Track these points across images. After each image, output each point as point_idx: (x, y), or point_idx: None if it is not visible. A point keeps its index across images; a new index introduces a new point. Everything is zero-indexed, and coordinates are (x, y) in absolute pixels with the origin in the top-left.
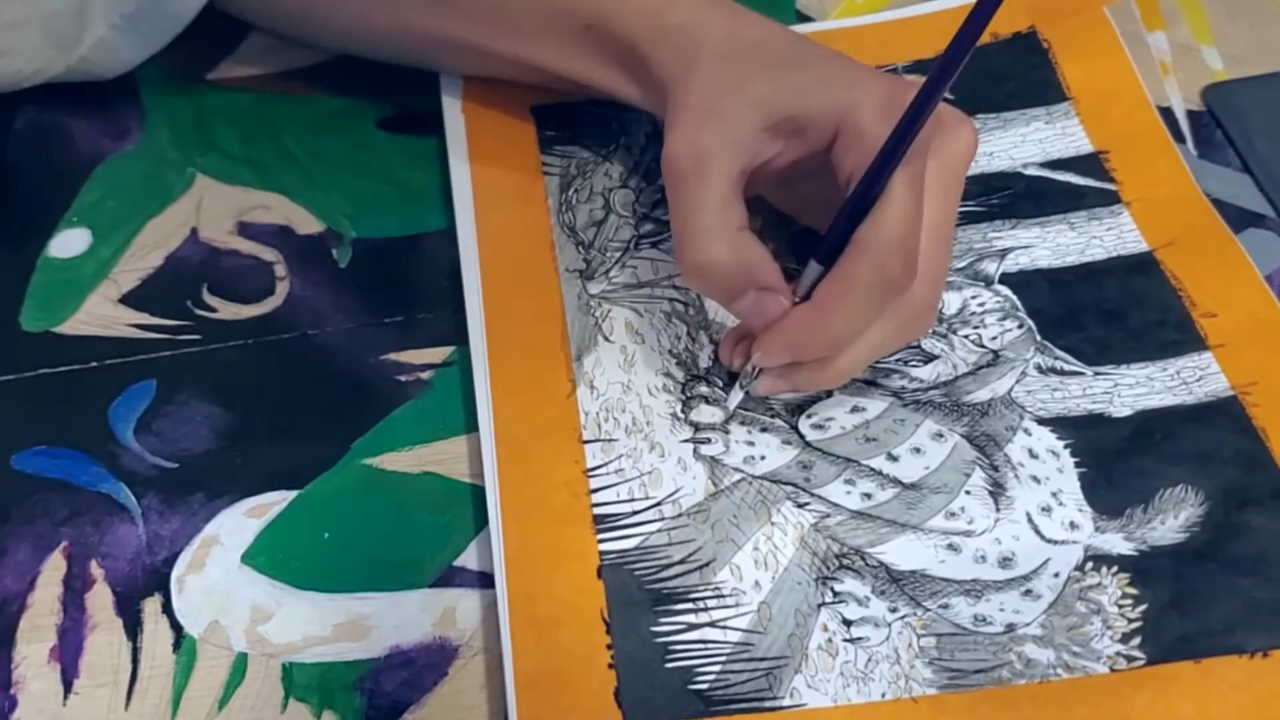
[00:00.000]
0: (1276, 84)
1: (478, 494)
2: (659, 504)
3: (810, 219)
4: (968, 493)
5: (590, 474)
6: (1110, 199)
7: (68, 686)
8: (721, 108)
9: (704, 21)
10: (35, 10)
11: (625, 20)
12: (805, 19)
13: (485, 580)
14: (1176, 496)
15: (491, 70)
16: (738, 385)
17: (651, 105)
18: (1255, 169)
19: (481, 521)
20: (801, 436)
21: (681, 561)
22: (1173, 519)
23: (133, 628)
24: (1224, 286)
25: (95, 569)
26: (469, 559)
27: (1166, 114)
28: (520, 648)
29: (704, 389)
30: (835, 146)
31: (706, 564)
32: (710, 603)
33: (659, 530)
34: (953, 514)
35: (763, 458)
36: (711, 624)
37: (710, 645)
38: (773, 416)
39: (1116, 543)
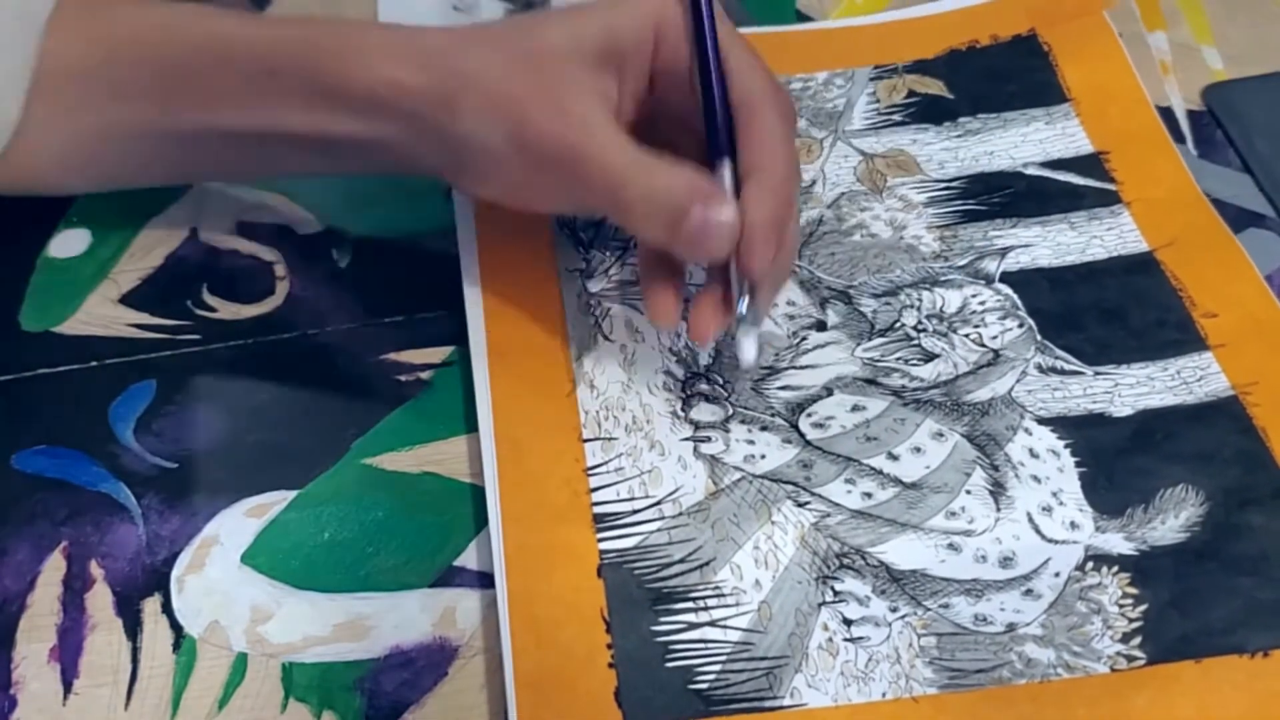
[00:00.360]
0: (1276, 84)
1: (478, 494)
2: (659, 503)
3: None
4: (968, 492)
5: (590, 472)
6: (1110, 199)
7: (67, 686)
8: (551, 71)
9: (412, 32)
10: None
11: (312, 54)
12: (805, 18)
13: (485, 580)
14: (1177, 496)
15: (198, 159)
16: (742, 330)
17: (384, 135)
18: (1255, 169)
19: (481, 521)
20: (802, 435)
21: (681, 560)
22: (1173, 519)
23: (133, 628)
24: (1224, 286)
25: (95, 569)
26: (469, 559)
27: (1167, 114)
28: (520, 647)
29: (704, 386)
30: (659, 59)
31: (706, 563)
32: (710, 602)
33: (659, 529)
34: (953, 513)
35: (763, 456)
36: (712, 623)
37: (710, 645)
38: (773, 415)
39: (1117, 542)
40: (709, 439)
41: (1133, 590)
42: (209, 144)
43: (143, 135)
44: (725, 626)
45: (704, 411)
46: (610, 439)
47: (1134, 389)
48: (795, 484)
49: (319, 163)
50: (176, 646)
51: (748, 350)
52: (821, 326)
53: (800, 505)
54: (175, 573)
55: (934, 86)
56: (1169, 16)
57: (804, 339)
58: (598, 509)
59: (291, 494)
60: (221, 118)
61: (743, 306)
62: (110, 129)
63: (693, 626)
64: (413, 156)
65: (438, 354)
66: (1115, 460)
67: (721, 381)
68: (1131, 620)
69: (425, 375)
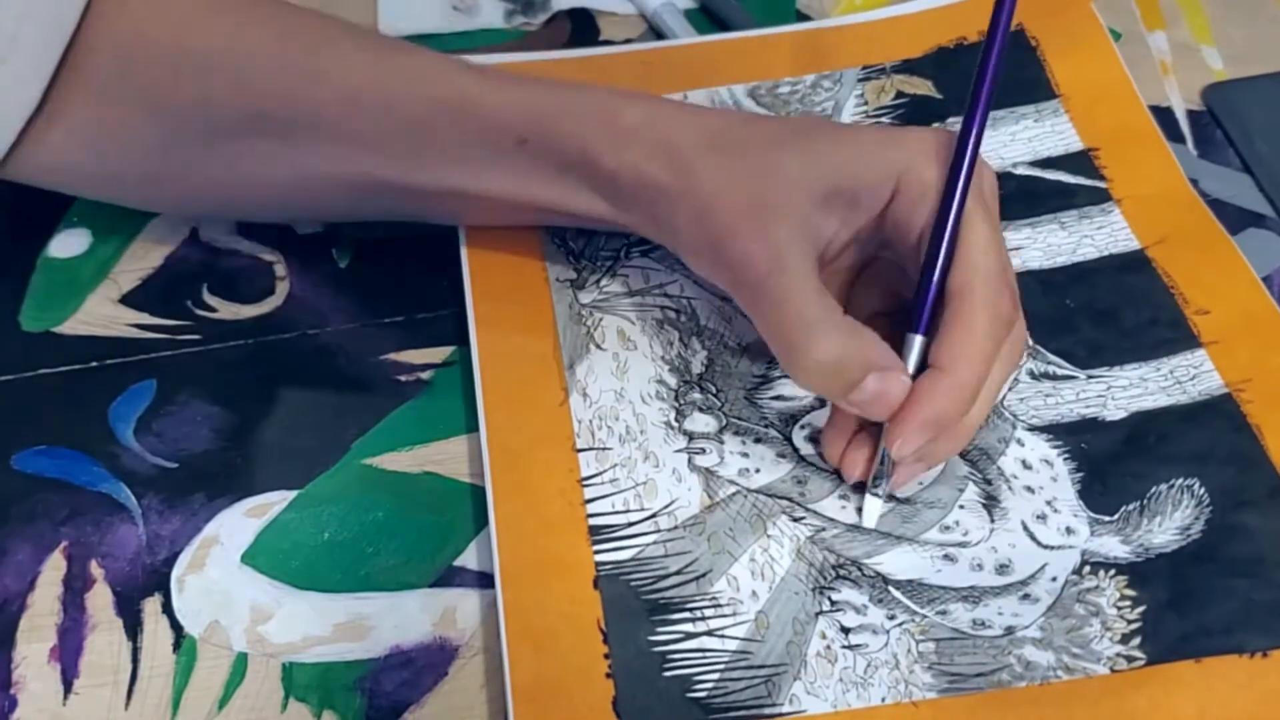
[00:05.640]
0: (1276, 84)
1: (478, 494)
2: (654, 516)
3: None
4: (961, 507)
5: (585, 483)
6: (1101, 196)
7: (68, 686)
8: (770, 196)
9: (667, 118)
10: None
11: (567, 126)
12: (805, 19)
13: (485, 580)
14: (1173, 498)
15: (418, 209)
16: (869, 493)
17: (617, 216)
18: (1255, 169)
19: (481, 521)
20: (796, 450)
21: (678, 573)
22: (1169, 521)
23: (133, 628)
24: (1216, 282)
25: (95, 569)
26: (469, 559)
27: (1166, 114)
28: (517, 659)
29: (697, 396)
30: (893, 208)
31: (703, 575)
32: (707, 612)
33: (655, 542)
34: (947, 528)
35: (757, 470)
36: (709, 633)
37: (708, 654)
38: (766, 426)
39: (1114, 546)
40: (703, 451)
41: (1131, 592)
42: (420, 198)
43: (350, 182)
44: (723, 636)
45: (698, 422)
46: (604, 449)
47: (1127, 391)
48: (790, 499)
49: (515, 219)
50: (177, 646)
51: (867, 515)
52: None
53: (795, 520)
54: (175, 573)
55: (922, 87)
56: (1169, 16)
57: None
58: (593, 520)
59: (291, 494)
60: (453, 178)
61: (881, 481)
62: (323, 174)
63: (690, 636)
64: (632, 229)
65: (438, 354)
66: (1109, 465)
67: (715, 390)
68: (1130, 621)
69: (425, 375)
